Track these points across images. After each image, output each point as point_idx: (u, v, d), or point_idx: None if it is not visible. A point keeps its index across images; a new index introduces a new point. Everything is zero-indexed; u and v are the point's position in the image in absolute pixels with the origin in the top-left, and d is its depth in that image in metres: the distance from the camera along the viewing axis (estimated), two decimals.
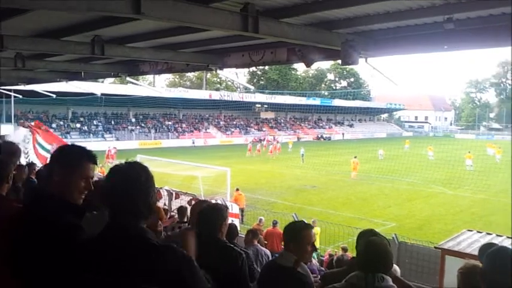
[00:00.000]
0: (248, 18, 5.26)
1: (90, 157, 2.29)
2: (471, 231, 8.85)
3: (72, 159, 2.25)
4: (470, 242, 7.97)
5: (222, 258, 3.11)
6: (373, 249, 2.72)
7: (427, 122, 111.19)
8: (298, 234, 3.16)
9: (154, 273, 1.82)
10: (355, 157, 31.79)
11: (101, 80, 40.76)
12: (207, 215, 3.35)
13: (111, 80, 52.99)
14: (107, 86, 49.31)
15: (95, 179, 2.39)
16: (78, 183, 2.23)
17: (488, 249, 2.40)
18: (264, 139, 61.03)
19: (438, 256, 8.08)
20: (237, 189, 18.06)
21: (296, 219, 12.33)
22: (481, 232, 8.69)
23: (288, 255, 3.13)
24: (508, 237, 8.07)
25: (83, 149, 2.31)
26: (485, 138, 78.32)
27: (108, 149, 35.80)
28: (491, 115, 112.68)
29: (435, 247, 8.45)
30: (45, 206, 2.15)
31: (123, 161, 2.09)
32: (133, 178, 1.96)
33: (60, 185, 2.20)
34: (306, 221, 3.40)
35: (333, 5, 5.47)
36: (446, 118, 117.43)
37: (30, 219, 2.13)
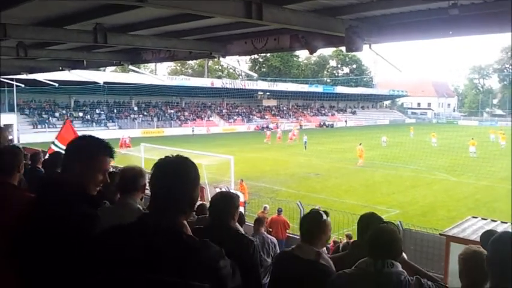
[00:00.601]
0: (252, 4, 5.22)
1: (108, 150, 2.29)
2: (476, 218, 8.85)
3: (90, 153, 2.24)
4: (475, 228, 7.98)
5: (235, 245, 3.10)
6: (382, 236, 2.74)
7: (430, 109, 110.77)
8: (325, 226, 3.17)
9: (184, 269, 1.75)
10: (360, 144, 31.87)
11: (102, 68, 40.64)
12: (219, 203, 3.35)
13: (113, 68, 52.91)
14: (109, 75, 49.22)
15: (110, 169, 2.40)
16: (95, 176, 2.24)
17: (489, 237, 2.40)
18: (267, 126, 61.11)
19: (443, 243, 8.09)
20: (241, 181, 18.06)
21: (301, 207, 12.40)
22: (485, 219, 8.70)
23: (307, 247, 3.10)
24: None
25: (100, 141, 2.30)
26: (488, 124, 78.10)
27: (122, 138, 36.13)
28: (495, 101, 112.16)
29: (440, 234, 8.47)
30: (59, 196, 2.15)
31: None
32: (181, 173, 1.91)
33: (77, 177, 2.20)
34: (321, 210, 3.35)
35: None
36: (449, 104, 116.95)
37: (45, 209, 2.12)
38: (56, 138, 12.73)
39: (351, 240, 8.79)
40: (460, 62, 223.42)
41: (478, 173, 26.63)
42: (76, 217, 2.05)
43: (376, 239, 2.75)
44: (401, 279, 2.62)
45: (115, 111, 56.59)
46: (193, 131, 55.68)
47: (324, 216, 3.20)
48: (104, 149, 2.28)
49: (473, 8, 5.48)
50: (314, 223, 3.17)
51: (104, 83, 36.44)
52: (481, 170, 26.92)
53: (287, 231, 12.39)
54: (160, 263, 1.75)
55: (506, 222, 8.24)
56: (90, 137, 2.36)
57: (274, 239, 7.05)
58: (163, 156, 2.01)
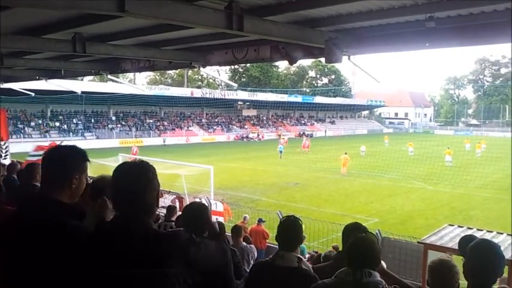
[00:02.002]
0: (232, 16, 5.25)
1: (86, 156, 2.29)
2: (452, 225, 9.00)
3: (69, 161, 2.23)
4: (452, 236, 8.11)
5: (209, 254, 3.16)
6: (360, 246, 2.78)
7: (407, 119, 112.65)
8: (302, 231, 3.24)
9: (159, 260, 1.89)
10: (346, 153, 32.48)
11: (80, 77, 40.12)
12: (190, 214, 3.49)
13: (91, 77, 52.23)
14: (87, 84, 48.66)
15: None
16: (78, 184, 2.24)
17: (467, 241, 2.51)
18: (247, 136, 61.11)
19: (421, 251, 8.20)
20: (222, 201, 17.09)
21: (280, 216, 12.39)
22: (462, 226, 8.85)
23: (289, 255, 3.12)
24: (488, 231, 8.25)
25: (75, 148, 2.29)
26: (463, 134, 79.67)
27: (134, 148, 37.00)
28: (470, 111, 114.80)
29: (418, 242, 8.57)
30: (40, 208, 2.10)
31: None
32: (140, 175, 2.02)
33: (58, 187, 2.17)
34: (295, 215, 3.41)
35: (316, 3, 5.51)
36: (425, 114, 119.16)
37: (27, 223, 2.07)
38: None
39: (334, 250, 8.82)
40: (436, 73, 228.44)
41: (454, 181, 27.13)
42: (59, 229, 2.02)
43: (354, 249, 2.79)
44: None
45: (92, 120, 55.79)
46: (164, 141, 54.72)
47: (298, 222, 3.26)
48: (79, 154, 2.27)
49: (449, 21, 5.64)
50: (293, 230, 3.20)
51: (82, 92, 35.98)
52: (456, 179, 27.44)
53: (267, 241, 12.37)
54: (138, 259, 1.88)
55: (481, 230, 8.41)
56: (65, 146, 2.35)
57: (254, 249, 7.03)
58: None
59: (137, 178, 2.01)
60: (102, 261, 1.90)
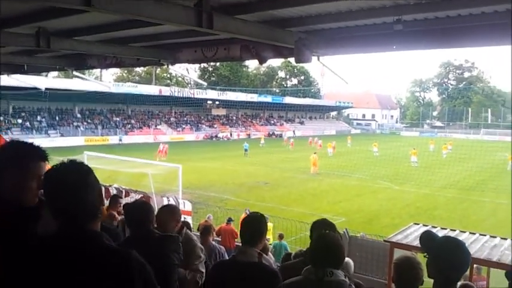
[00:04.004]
0: (202, 13, 5.19)
1: (43, 154, 2.13)
2: (417, 224, 9.22)
3: (21, 159, 2.06)
4: (417, 235, 8.28)
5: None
6: (322, 244, 2.77)
7: (374, 120, 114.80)
8: (265, 227, 3.21)
9: (103, 270, 1.76)
10: (315, 153, 32.96)
11: (44, 73, 39.02)
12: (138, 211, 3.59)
13: (55, 73, 50.94)
14: (51, 80, 47.24)
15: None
16: (29, 184, 2.05)
17: (428, 238, 2.56)
18: (216, 135, 60.85)
19: (387, 249, 8.35)
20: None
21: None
22: (426, 225, 9.06)
23: (250, 250, 3.10)
24: (451, 230, 8.48)
25: (31, 145, 2.14)
26: (428, 135, 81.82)
27: (162, 145, 38.00)
28: (434, 113, 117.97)
29: (384, 240, 8.73)
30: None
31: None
32: (80, 178, 1.85)
33: (14, 189, 2.03)
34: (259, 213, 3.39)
35: (285, 3, 5.52)
36: (392, 116, 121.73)
37: None
38: None
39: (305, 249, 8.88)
40: (402, 75, 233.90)
41: (419, 181, 27.81)
42: (21, 237, 1.90)
43: (315, 248, 2.79)
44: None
45: (57, 118, 54.30)
46: (120, 140, 53.33)
47: (264, 219, 3.26)
48: (36, 153, 2.11)
49: (416, 24, 5.74)
50: (254, 225, 3.19)
51: (46, 88, 35.02)
52: (422, 179, 28.14)
53: (236, 240, 12.34)
54: (82, 267, 1.74)
55: (445, 228, 8.63)
56: (18, 141, 2.18)
57: (222, 248, 6.98)
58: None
59: (75, 177, 1.84)
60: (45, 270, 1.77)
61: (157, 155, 35.19)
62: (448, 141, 51.13)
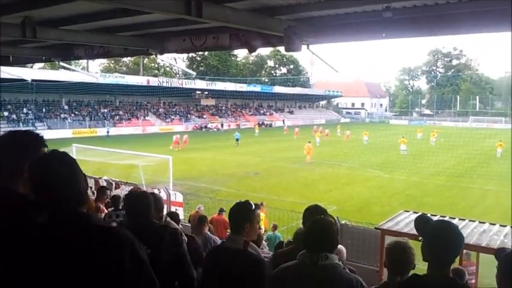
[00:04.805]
0: (191, 1, 5.12)
1: (43, 141, 2.14)
2: (407, 211, 9.29)
3: (28, 147, 2.07)
4: (408, 221, 8.38)
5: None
6: (316, 229, 2.80)
7: (363, 109, 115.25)
8: (250, 214, 3.20)
9: (96, 252, 1.79)
10: (309, 142, 33.21)
11: (30, 64, 38.45)
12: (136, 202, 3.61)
13: (41, 64, 50.10)
14: (37, 72, 46.66)
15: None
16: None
17: (423, 221, 2.57)
18: (205, 126, 60.69)
19: (378, 236, 8.41)
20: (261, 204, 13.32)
21: None
22: (416, 212, 9.12)
23: (236, 237, 3.14)
24: (441, 216, 8.55)
25: (30, 133, 2.16)
26: (417, 123, 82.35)
27: (175, 137, 39.39)
28: (423, 101, 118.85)
29: (375, 228, 8.80)
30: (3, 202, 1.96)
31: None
32: (65, 164, 1.91)
33: (15, 177, 2.02)
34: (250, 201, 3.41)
35: None
36: (381, 104, 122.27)
37: None
38: None
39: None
40: (391, 63, 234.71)
41: (408, 169, 28.06)
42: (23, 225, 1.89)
43: (310, 233, 2.83)
44: (337, 271, 2.69)
45: (44, 110, 53.60)
46: (108, 132, 52.71)
47: (250, 206, 3.25)
48: (40, 140, 2.14)
49: (405, 11, 5.73)
50: (240, 213, 3.22)
51: (32, 80, 34.53)
52: (411, 167, 28.40)
53: (227, 230, 12.35)
54: (75, 245, 1.79)
55: (435, 215, 8.70)
56: (16, 131, 2.19)
57: (217, 238, 6.96)
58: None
59: (65, 165, 1.91)
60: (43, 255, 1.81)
61: (174, 146, 37.30)
62: (434, 129, 51.64)
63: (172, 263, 3.37)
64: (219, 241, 6.66)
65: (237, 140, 41.99)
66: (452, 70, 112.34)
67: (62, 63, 12.04)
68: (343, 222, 10.26)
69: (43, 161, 1.91)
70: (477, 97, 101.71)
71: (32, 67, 45.53)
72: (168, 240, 3.39)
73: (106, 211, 8.33)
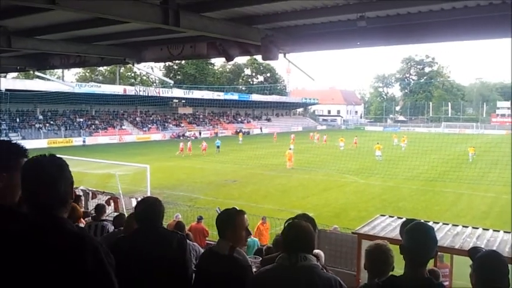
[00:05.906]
0: (169, 11, 5.19)
1: (24, 152, 2.14)
2: (384, 216, 9.48)
3: (8, 159, 2.05)
4: (384, 226, 8.56)
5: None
6: (294, 230, 2.87)
7: (339, 116, 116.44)
8: (232, 220, 3.25)
9: (71, 257, 1.82)
10: (290, 149, 34.04)
11: (3, 74, 37.64)
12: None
13: (15, 74, 49.21)
14: (11, 81, 45.66)
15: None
16: (15, 183, 2.01)
17: (402, 225, 2.69)
18: (183, 134, 60.30)
19: (355, 241, 8.56)
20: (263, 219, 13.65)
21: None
22: (392, 217, 9.34)
23: (223, 242, 3.20)
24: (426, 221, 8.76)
25: (10, 143, 2.16)
26: (391, 130, 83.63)
27: (182, 144, 41.38)
28: (397, 108, 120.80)
29: (352, 232, 8.94)
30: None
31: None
32: (53, 169, 1.93)
33: (4, 191, 2.02)
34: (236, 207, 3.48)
35: (252, 0, 5.58)
36: (356, 112, 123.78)
37: None
38: None
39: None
40: (366, 71, 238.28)
41: (384, 175, 28.48)
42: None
43: (288, 234, 2.88)
44: (315, 271, 2.76)
45: (18, 120, 52.46)
46: (84, 141, 52.23)
47: (236, 212, 3.32)
48: (22, 151, 2.14)
49: (378, 20, 5.92)
50: (226, 219, 3.28)
51: (6, 90, 33.80)
52: (386, 172, 28.81)
53: (206, 239, 12.33)
54: (51, 254, 1.81)
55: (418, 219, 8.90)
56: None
57: (197, 246, 6.97)
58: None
59: (54, 170, 1.93)
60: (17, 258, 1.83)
61: (179, 153, 39.41)
62: (404, 135, 52.89)
63: (177, 267, 3.40)
64: (198, 248, 6.68)
65: (218, 147, 42.09)
66: (425, 77, 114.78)
67: (37, 73, 11.89)
68: (331, 227, 10.41)
69: (35, 164, 1.94)
70: (449, 103, 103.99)
71: (5, 76, 44.53)
72: (175, 245, 3.42)
73: (84, 221, 8.20)
